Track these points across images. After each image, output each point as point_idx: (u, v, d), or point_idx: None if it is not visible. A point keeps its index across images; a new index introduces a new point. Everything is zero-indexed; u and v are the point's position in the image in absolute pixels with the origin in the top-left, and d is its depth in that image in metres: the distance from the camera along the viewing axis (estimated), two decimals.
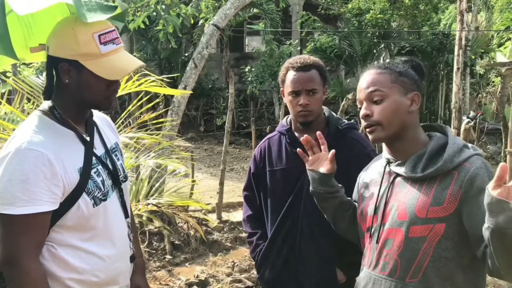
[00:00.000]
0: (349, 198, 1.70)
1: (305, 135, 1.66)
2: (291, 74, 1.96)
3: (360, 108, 1.48)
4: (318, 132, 1.67)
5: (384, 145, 1.55)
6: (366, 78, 1.48)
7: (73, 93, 1.38)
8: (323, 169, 1.62)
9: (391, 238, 1.43)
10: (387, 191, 1.48)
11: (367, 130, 1.47)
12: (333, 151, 1.59)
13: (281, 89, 2.06)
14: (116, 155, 1.57)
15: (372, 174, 1.61)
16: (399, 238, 1.40)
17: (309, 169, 1.67)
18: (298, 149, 1.68)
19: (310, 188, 1.69)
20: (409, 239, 1.38)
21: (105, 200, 1.44)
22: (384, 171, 1.52)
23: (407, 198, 1.41)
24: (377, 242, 1.48)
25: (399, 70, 1.46)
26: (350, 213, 1.69)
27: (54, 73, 1.39)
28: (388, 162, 1.52)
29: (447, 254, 1.35)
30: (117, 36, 1.38)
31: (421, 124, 1.53)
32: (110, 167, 1.50)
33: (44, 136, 1.32)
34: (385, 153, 1.54)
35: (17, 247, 1.26)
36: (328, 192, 1.65)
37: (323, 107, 2.07)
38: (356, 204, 1.69)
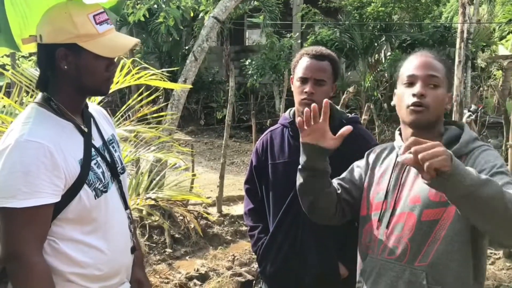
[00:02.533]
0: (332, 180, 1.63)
1: (313, 104, 1.47)
2: (304, 61, 1.94)
3: (409, 85, 1.45)
4: (325, 100, 1.47)
5: (397, 135, 1.56)
6: (425, 59, 1.46)
7: (73, 79, 1.36)
8: (325, 143, 1.49)
9: (401, 222, 1.44)
10: (400, 177, 1.49)
11: (414, 108, 1.42)
12: (349, 127, 1.49)
13: (291, 76, 2.04)
14: (113, 147, 1.55)
15: (382, 161, 1.61)
16: (410, 222, 1.41)
17: (304, 141, 1.50)
18: (298, 119, 1.48)
19: (301, 164, 1.54)
20: (421, 223, 1.39)
21: (106, 191, 1.42)
22: (396, 159, 1.52)
23: (420, 182, 1.37)
24: (387, 227, 1.48)
25: (449, 67, 1.50)
26: (336, 195, 1.61)
27: (47, 62, 1.36)
28: None
29: (460, 237, 1.36)
30: (108, 17, 1.38)
31: None
32: (108, 159, 1.48)
33: (43, 128, 1.30)
34: (399, 142, 1.54)
35: (20, 241, 1.25)
36: (322, 170, 1.54)
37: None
38: (350, 187, 1.64)
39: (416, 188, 1.43)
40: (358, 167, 1.69)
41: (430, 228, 1.38)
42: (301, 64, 1.95)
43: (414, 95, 1.43)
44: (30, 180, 1.23)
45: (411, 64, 1.48)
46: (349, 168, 1.71)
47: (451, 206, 1.34)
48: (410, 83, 1.46)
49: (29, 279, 1.25)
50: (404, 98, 1.46)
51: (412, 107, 1.43)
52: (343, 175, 1.71)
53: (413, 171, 1.46)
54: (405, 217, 1.43)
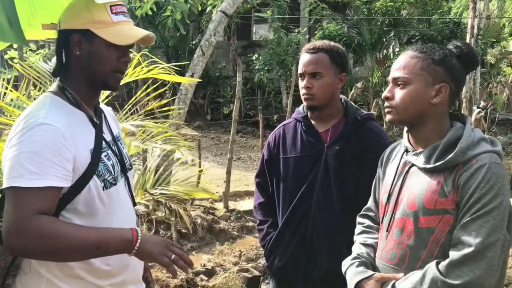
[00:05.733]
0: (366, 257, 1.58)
1: None
2: (301, 57, 1.96)
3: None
4: None
5: (405, 133, 1.54)
6: (401, 59, 1.46)
7: (84, 66, 1.38)
8: None
9: (401, 228, 1.43)
10: (401, 180, 1.47)
11: (385, 110, 1.47)
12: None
13: None
14: (121, 143, 1.57)
15: (391, 163, 1.59)
16: (408, 228, 1.40)
17: None
18: None
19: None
20: (419, 229, 1.38)
21: (115, 184, 1.43)
22: (401, 160, 1.51)
23: (417, 188, 1.40)
24: (387, 231, 1.48)
25: (435, 58, 1.40)
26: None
27: (63, 48, 1.39)
28: (406, 151, 1.51)
29: None
30: (126, 10, 1.41)
31: None
32: (118, 154, 1.49)
33: (58, 114, 1.32)
34: (405, 141, 1.53)
35: (21, 216, 1.20)
36: None
37: (342, 96, 2.02)
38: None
39: (414, 192, 1.41)
40: (374, 186, 1.69)
41: (427, 235, 1.36)
42: (299, 62, 1.96)
43: (382, 99, 1.50)
44: (40, 161, 1.23)
45: (392, 66, 1.51)
46: (372, 190, 1.71)
47: (448, 215, 1.33)
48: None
49: (45, 239, 1.21)
50: None
51: (385, 110, 1.48)
52: (369, 205, 1.71)
53: (415, 173, 1.44)
54: (403, 222, 1.42)
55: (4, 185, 1.24)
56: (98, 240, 1.26)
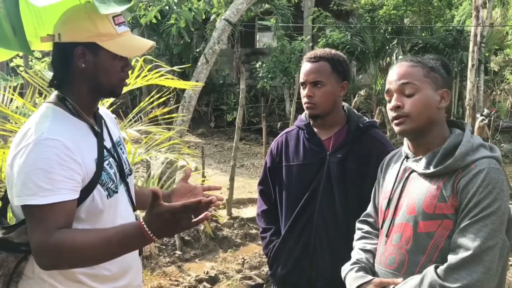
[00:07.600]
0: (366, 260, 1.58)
1: None
2: (303, 66, 1.97)
3: (390, 100, 1.47)
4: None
5: (405, 140, 1.54)
6: (398, 69, 1.46)
7: (89, 78, 1.38)
8: None
9: (400, 233, 1.44)
10: (401, 186, 1.48)
11: (395, 121, 1.44)
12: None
13: None
14: (121, 149, 1.57)
15: (390, 169, 1.60)
16: (407, 233, 1.41)
17: None
18: None
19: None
20: (418, 234, 1.38)
21: (116, 192, 1.43)
22: (401, 166, 1.52)
23: (417, 193, 1.41)
24: (387, 236, 1.49)
25: (431, 65, 1.44)
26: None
27: (63, 61, 1.38)
28: (406, 157, 1.52)
29: None
30: (124, 20, 1.42)
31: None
32: (117, 160, 1.49)
33: (61, 126, 1.32)
34: (405, 148, 1.54)
35: (42, 232, 1.23)
36: None
37: (344, 103, 2.03)
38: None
39: (414, 197, 1.42)
40: (374, 192, 1.70)
41: (427, 240, 1.37)
42: (301, 70, 1.97)
43: (391, 109, 1.46)
44: (51, 177, 1.24)
45: (388, 79, 1.50)
46: (372, 196, 1.72)
47: (448, 220, 1.34)
48: (389, 97, 1.48)
49: (63, 256, 1.23)
50: (388, 113, 1.49)
51: (394, 121, 1.45)
52: (369, 211, 1.72)
53: (415, 179, 1.45)
54: (402, 227, 1.43)
55: (18, 202, 1.25)
56: (115, 237, 1.24)
